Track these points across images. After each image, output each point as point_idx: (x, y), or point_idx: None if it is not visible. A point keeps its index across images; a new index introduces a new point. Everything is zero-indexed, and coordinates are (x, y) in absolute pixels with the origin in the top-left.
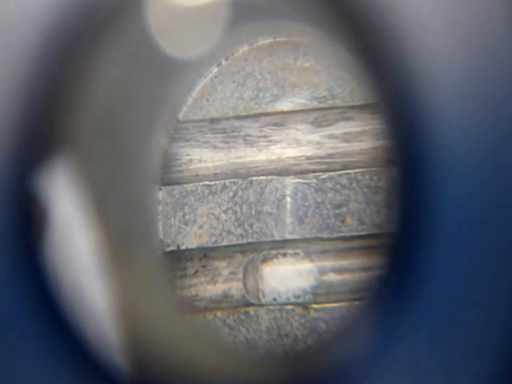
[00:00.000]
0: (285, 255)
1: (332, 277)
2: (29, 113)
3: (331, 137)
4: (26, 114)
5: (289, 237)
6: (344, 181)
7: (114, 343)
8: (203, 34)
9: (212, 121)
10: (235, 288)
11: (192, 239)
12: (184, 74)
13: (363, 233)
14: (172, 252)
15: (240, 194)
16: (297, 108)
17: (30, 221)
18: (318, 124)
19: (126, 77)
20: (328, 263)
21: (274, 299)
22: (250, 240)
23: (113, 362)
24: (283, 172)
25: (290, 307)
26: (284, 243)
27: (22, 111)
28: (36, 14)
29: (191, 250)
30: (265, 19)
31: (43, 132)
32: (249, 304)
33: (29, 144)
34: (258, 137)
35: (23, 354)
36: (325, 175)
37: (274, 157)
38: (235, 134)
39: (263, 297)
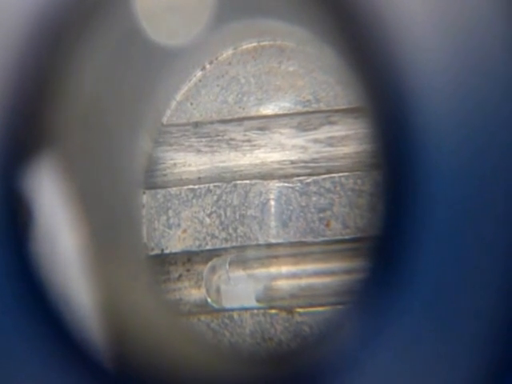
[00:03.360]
0: (269, 259)
1: (316, 280)
2: (13, 110)
3: (315, 141)
4: (11, 111)
5: (273, 241)
6: (328, 185)
7: (98, 339)
8: (191, 22)
9: (196, 125)
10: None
11: (176, 243)
12: (170, 75)
13: (347, 236)
14: (156, 256)
15: (224, 197)
16: (281, 112)
17: (15, 217)
18: (302, 128)
19: (110, 77)
20: (312, 267)
21: (247, 304)
22: (234, 244)
23: (99, 358)
24: (267, 176)
25: (274, 311)
26: (268, 247)
27: (5, 108)
28: (20, 5)
29: (175, 253)
30: (250, 19)
31: (28, 129)
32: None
33: (14, 141)
34: (242, 141)
35: (12, 347)
36: (309, 179)
37: (258, 161)
38: (219, 137)
39: (230, 301)
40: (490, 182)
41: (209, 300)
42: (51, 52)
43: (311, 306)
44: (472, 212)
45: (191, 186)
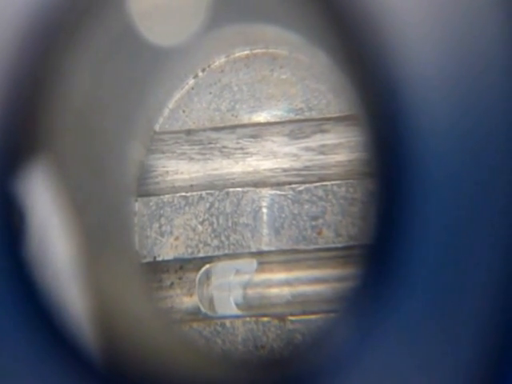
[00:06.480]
0: (262, 266)
1: (308, 288)
2: (6, 115)
3: (308, 149)
4: (4, 116)
5: (265, 248)
6: (320, 193)
7: (90, 345)
8: (185, 23)
9: (188, 132)
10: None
11: (168, 250)
12: (162, 83)
13: (339, 244)
14: (148, 263)
15: (216, 205)
16: (273, 120)
17: (8, 222)
18: (294, 136)
19: (102, 85)
20: (304, 274)
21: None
22: (227, 251)
23: (91, 364)
24: (260, 184)
25: (266, 319)
26: (260, 254)
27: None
28: (12, 9)
29: (167, 261)
30: (243, 25)
31: (21, 135)
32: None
33: (7, 147)
34: (235, 148)
35: (5, 352)
36: (301, 187)
37: (250, 169)
38: (212, 145)
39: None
40: (484, 189)
41: (201, 308)
42: (43, 57)
43: (303, 313)
44: (466, 218)
45: (183, 194)
